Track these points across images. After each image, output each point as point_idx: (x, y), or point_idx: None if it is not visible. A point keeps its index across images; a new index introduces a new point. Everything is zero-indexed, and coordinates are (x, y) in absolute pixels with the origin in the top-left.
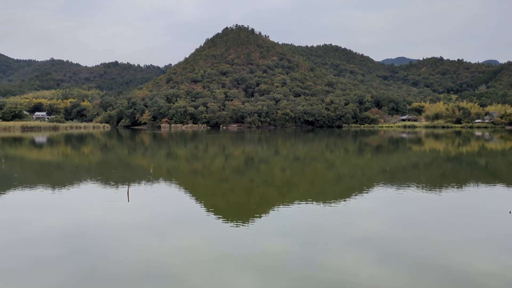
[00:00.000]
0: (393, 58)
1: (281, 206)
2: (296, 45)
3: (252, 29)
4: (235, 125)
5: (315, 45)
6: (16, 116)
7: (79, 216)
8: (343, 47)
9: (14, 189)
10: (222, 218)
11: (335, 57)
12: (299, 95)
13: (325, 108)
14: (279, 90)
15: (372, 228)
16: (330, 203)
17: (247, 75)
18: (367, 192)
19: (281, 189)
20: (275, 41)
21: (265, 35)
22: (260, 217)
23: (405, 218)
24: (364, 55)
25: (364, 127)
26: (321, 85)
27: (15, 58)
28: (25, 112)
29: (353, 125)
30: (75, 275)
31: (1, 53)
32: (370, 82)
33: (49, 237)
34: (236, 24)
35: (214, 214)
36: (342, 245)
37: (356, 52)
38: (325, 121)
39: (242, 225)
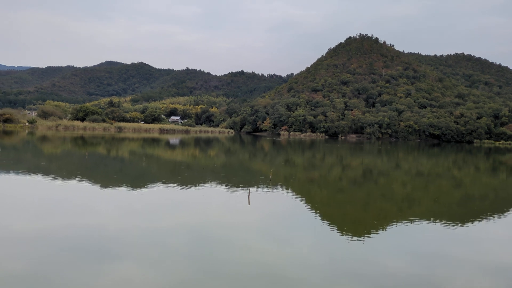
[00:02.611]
0: None
1: (400, 223)
2: (423, 54)
3: (376, 38)
4: (354, 136)
5: (444, 54)
6: (155, 119)
7: (204, 214)
8: (477, 56)
9: (151, 184)
10: (338, 229)
11: (467, 67)
12: (425, 107)
13: (454, 122)
14: (402, 101)
15: (506, 257)
16: (456, 224)
17: (368, 85)
18: (501, 217)
19: (400, 205)
20: (400, 50)
21: (390, 44)
22: (377, 232)
23: None
24: (502, 65)
25: (499, 144)
26: (450, 96)
27: (157, 68)
28: (162, 116)
29: (486, 141)
30: (196, 265)
31: (146, 63)
32: (508, 94)
33: (176, 229)
34: (360, 33)
35: (330, 225)
36: (469, 272)
37: (492, 62)
38: (453, 135)
39: (358, 239)
